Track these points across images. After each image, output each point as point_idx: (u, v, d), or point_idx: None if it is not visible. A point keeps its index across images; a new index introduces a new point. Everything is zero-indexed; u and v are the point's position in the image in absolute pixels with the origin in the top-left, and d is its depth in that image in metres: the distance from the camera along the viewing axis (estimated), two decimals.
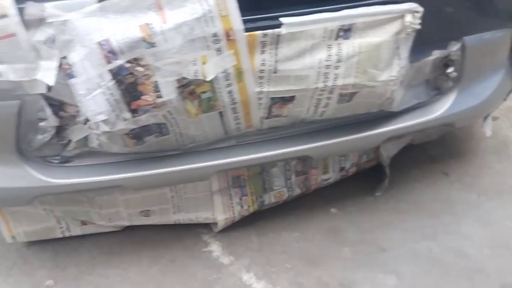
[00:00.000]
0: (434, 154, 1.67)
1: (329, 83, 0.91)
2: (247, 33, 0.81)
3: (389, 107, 1.03)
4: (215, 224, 1.31)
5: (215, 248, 1.35)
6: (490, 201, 1.48)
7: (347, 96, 0.97)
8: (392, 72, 0.93)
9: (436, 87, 1.13)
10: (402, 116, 1.13)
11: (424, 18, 0.94)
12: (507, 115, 1.86)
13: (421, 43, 0.99)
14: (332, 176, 1.40)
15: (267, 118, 1.00)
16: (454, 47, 1.01)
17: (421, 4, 0.90)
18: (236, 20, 0.79)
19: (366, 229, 1.40)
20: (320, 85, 0.91)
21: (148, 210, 1.25)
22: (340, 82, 0.92)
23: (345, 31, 0.86)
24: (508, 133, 1.76)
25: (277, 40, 0.84)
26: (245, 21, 0.81)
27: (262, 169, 1.28)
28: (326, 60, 0.88)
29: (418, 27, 0.89)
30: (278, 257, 1.32)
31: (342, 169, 1.40)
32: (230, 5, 0.78)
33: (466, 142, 1.71)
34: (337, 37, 0.87)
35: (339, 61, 0.89)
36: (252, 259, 1.32)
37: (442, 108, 1.14)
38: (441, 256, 1.32)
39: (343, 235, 1.39)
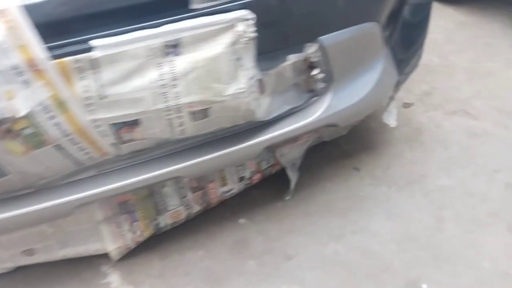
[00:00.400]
0: (347, 149, 1.64)
1: (172, 103, 0.85)
2: (56, 61, 0.74)
3: (254, 118, 0.98)
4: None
5: (114, 278, 1.28)
6: (400, 192, 1.46)
7: (200, 113, 0.91)
8: (240, 84, 0.87)
9: (309, 89, 1.08)
10: (279, 123, 1.08)
11: (271, 23, 0.89)
12: (422, 100, 1.85)
13: (274, 48, 0.93)
14: (233, 187, 1.34)
15: (121, 143, 0.93)
16: (311, 49, 0.96)
17: (265, 9, 0.85)
18: (37, 48, 0.71)
19: (274, 238, 1.36)
20: (162, 106, 0.85)
21: (31, 248, 1.17)
22: (183, 100, 0.85)
23: (173, 47, 0.80)
24: (422, 119, 1.74)
25: (95, 64, 0.77)
26: (51, 48, 0.73)
27: (151, 191, 1.21)
28: (160, 80, 0.82)
29: (254, 35, 0.83)
30: (181, 280, 1.26)
31: (242, 178, 1.34)
32: (27, 34, 0.70)
33: (379, 132, 1.68)
34: (166, 54, 0.80)
35: (174, 79, 0.82)
36: (153, 286, 1.25)
37: (319, 110, 1.09)
38: (347, 257, 1.28)
39: (250, 247, 1.33)
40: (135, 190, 1.02)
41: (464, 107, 1.77)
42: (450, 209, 1.38)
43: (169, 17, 0.78)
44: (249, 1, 0.82)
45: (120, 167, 1.01)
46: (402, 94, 1.88)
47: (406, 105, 1.82)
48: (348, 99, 1.12)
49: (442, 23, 2.40)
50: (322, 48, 0.97)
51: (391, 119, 1.50)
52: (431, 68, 2.03)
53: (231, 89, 0.87)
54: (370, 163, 1.57)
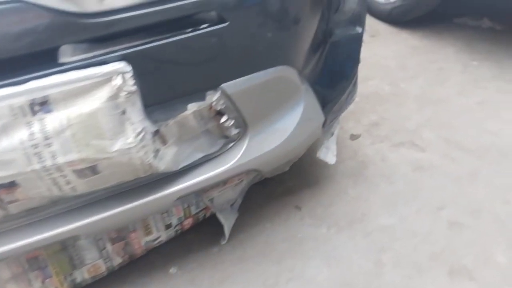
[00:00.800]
0: (290, 185, 1.57)
1: (49, 163, 0.77)
2: None
3: (156, 171, 0.90)
4: None
5: None
6: (340, 233, 1.38)
7: (87, 171, 0.83)
8: (128, 139, 0.80)
9: (223, 136, 1.01)
10: (192, 172, 1.01)
11: (161, 73, 0.82)
12: (370, 131, 1.79)
13: (170, 98, 0.87)
14: (160, 235, 1.25)
15: (6, 204, 0.84)
16: (213, 97, 0.89)
17: (150, 59, 0.78)
18: None
19: None
20: (37, 166, 0.77)
21: None
22: (62, 159, 0.77)
23: (42, 105, 0.72)
24: (368, 151, 1.69)
25: None
26: None
27: (64, 245, 1.12)
28: (31, 140, 0.74)
29: (134, 88, 0.76)
30: None
31: (169, 226, 1.25)
32: None
33: (323, 167, 1.62)
34: (34, 112, 0.73)
35: (47, 138, 0.75)
36: None
37: (235, 156, 1.02)
38: None
39: None
40: (29, 251, 0.93)
41: (412, 138, 1.72)
42: (390, 251, 1.31)
43: (36, 72, 0.71)
44: (129, 52, 0.75)
45: (11, 227, 0.92)
46: (351, 125, 1.83)
47: (353, 137, 1.76)
48: (266, 144, 1.05)
49: (396, 48, 2.38)
50: (225, 95, 0.90)
51: (329, 155, 1.43)
52: (382, 96, 1.99)
53: (118, 145, 0.79)
54: (312, 200, 1.50)
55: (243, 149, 1.03)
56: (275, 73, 0.94)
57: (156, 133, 0.88)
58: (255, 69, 0.91)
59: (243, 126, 1.00)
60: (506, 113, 1.80)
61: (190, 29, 0.79)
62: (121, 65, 0.74)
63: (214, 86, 0.88)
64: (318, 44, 1.12)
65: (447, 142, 1.68)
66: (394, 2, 2.47)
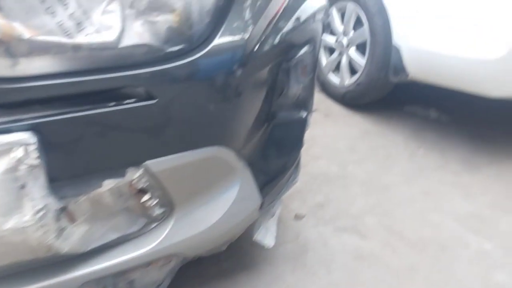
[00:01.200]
0: (225, 267, 1.47)
1: None
2: None
3: (58, 251, 0.80)
4: None
5: None
6: None
7: None
8: (25, 216, 0.71)
9: (145, 215, 0.92)
10: (105, 253, 0.90)
11: (78, 146, 0.75)
12: (315, 212, 1.75)
13: (84, 172, 0.79)
14: None
15: None
16: (135, 174, 0.83)
17: (62, 130, 0.71)
18: None
19: None
20: None
21: None
22: None
23: None
24: (310, 234, 1.63)
25: None
26: None
27: None
28: None
29: (36, 162, 0.68)
30: None
31: None
32: None
33: (263, 248, 1.53)
34: None
35: None
36: None
37: (157, 238, 0.93)
38: None
39: None
40: None
41: (355, 224, 1.69)
42: None
43: None
44: (39, 122, 0.68)
45: None
46: (296, 205, 1.79)
47: (297, 217, 1.71)
48: (194, 226, 0.98)
49: (347, 130, 2.43)
50: (149, 173, 0.84)
51: (268, 237, 1.36)
52: (329, 177, 1.98)
53: (11, 222, 0.70)
54: (247, 286, 1.40)
55: (168, 230, 0.95)
56: (207, 153, 0.89)
57: (63, 210, 0.79)
58: (185, 148, 0.85)
59: (168, 206, 0.93)
60: (447, 205, 1.81)
61: (113, 103, 0.74)
62: (24, 136, 0.66)
63: (137, 163, 0.81)
64: (259, 126, 1.09)
65: (389, 231, 1.65)
66: (348, 86, 2.56)
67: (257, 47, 0.90)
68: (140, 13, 0.73)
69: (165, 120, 0.81)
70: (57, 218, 0.77)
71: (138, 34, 0.72)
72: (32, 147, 0.67)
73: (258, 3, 0.92)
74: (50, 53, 0.67)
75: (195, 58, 0.79)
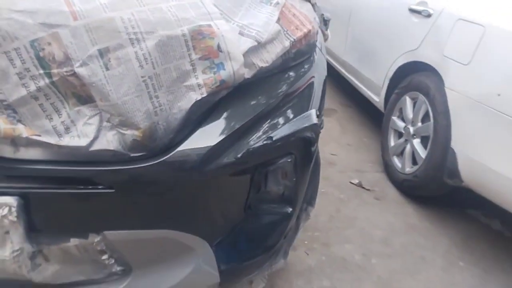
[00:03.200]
0: None
1: None
2: None
3: (31, 279, 1.07)
4: None
5: None
6: None
7: None
8: (5, 252, 0.99)
9: (107, 268, 1.16)
10: None
11: (52, 211, 1.02)
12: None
13: (56, 230, 1.06)
14: None
15: None
16: (95, 239, 1.07)
17: (41, 199, 0.99)
18: None
19: None
20: None
21: None
22: None
23: None
24: None
25: None
26: None
27: None
28: None
29: (15, 219, 0.96)
30: None
31: None
32: None
33: None
34: None
35: None
36: None
37: None
38: None
39: None
40: None
41: None
42: None
43: None
44: (22, 192, 0.97)
45: None
46: (301, 282, 1.87)
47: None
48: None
49: (391, 220, 2.39)
50: (107, 240, 1.07)
51: None
52: (347, 265, 2.01)
53: None
54: None
55: (125, 284, 1.16)
56: (160, 234, 1.09)
57: (40, 251, 1.06)
58: (138, 227, 1.07)
59: (127, 266, 1.15)
60: None
61: (81, 186, 1.00)
62: (10, 200, 0.95)
63: (97, 231, 1.05)
64: (232, 215, 1.26)
65: None
66: (407, 174, 2.52)
67: (220, 157, 1.08)
68: (114, 127, 0.98)
69: (121, 205, 1.04)
70: (32, 257, 1.05)
71: (108, 141, 0.97)
72: (14, 208, 0.96)
73: (232, 123, 1.10)
74: (41, 146, 0.95)
75: (152, 163, 1.00)
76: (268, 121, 1.19)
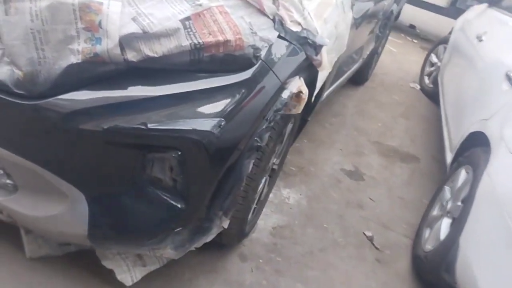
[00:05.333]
0: None
1: None
2: None
3: None
4: None
5: None
6: None
7: None
8: None
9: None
10: None
11: None
12: None
13: None
14: None
15: None
16: None
17: None
18: None
19: None
20: None
21: None
22: None
23: None
24: None
25: None
26: None
27: None
28: None
29: None
30: None
31: None
32: None
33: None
34: None
35: None
36: None
37: (4, 196, 1.40)
38: None
39: None
40: None
41: None
42: None
43: None
44: None
45: None
46: None
47: None
48: (27, 208, 1.37)
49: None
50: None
51: (126, 276, 1.60)
52: None
53: None
54: None
55: (11, 197, 1.39)
56: (32, 166, 1.28)
57: None
58: (18, 153, 1.27)
59: (14, 185, 1.37)
60: None
61: None
62: None
63: None
64: (113, 182, 1.36)
65: None
66: (424, 252, 2.18)
67: (91, 120, 1.20)
68: (9, 63, 1.18)
69: (4, 126, 1.24)
70: None
71: (1, 73, 1.18)
72: None
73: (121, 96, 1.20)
74: None
75: (28, 103, 1.18)
76: (165, 110, 1.25)
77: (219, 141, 1.30)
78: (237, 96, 1.33)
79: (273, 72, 1.41)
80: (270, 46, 1.40)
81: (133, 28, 1.12)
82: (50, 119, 1.19)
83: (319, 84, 1.79)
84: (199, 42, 1.19)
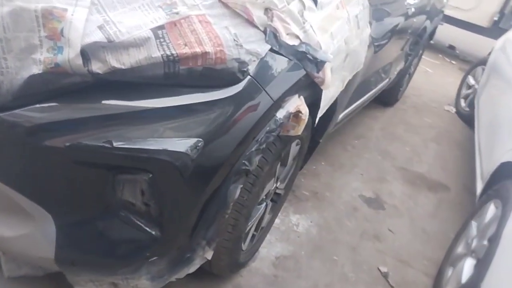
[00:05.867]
0: None
1: None
2: None
3: None
4: None
5: None
6: None
7: None
8: None
9: None
10: None
11: None
12: None
13: None
14: None
15: None
16: None
17: None
18: None
19: None
20: None
21: None
22: None
23: None
24: None
25: None
26: None
27: None
28: None
29: None
30: None
31: None
32: None
33: None
34: None
35: None
36: None
37: None
38: None
39: None
40: None
41: None
42: None
43: None
44: None
45: None
46: None
47: None
48: None
49: None
50: None
51: None
52: None
53: None
54: None
55: None
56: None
57: None
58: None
59: None
60: None
61: None
62: None
63: None
64: (83, 203, 1.26)
65: None
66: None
67: (57, 136, 1.11)
68: None
69: None
70: None
71: None
72: None
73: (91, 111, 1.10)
74: None
75: None
76: (135, 127, 1.14)
77: (197, 163, 1.17)
78: (219, 115, 1.20)
79: (264, 89, 1.27)
80: (261, 60, 1.26)
81: (97, 36, 1.02)
82: (13, 133, 1.10)
83: (324, 104, 1.62)
84: (172, 54, 1.07)
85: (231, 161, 1.28)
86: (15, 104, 1.09)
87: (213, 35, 1.12)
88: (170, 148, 1.13)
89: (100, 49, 1.03)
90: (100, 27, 1.03)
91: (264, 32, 1.24)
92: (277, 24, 1.29)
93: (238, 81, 1.21)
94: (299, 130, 1.49)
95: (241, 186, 1.36)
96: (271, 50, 1.29)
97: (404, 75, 4.08)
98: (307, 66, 1.38)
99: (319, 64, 1.39)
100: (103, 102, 1.12)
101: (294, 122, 1.46)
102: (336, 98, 1.89)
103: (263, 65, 1.28)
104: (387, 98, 4.15)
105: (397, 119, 4.11)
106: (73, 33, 1.00)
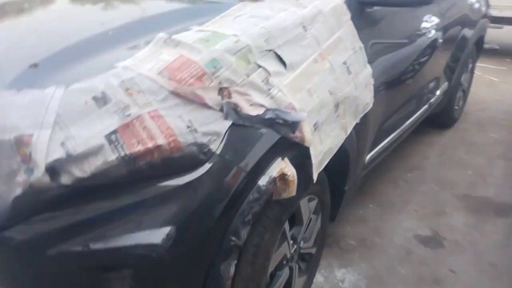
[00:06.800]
0: None
1: None
2: None
3: None
4: None
5: None
6: None
7: None
8: None
9: None
10: None
11: None
12: None
13: None
14: None
15: None
16: None
17: None
18: None
19: None
20: None
21: None
22: None
23: None
24: None
25: None
26: None
27: None
28: None
29: None
30: None
31: None
32: None
33: None
34: None
35: None
36: None
37: None
38: None
39: None
40: None
41: None
42: None
43: None
44: None
45: None
46: None
47: None
48: None
49: None
50: None
51: None
52: None
53: None
54: None
55: None
56: None
57: None
58: None
59: None
60: None
61: None
62: None
63: None
64: None
65: None
66: None
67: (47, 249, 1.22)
68: None
69: None
70: None
71: None
72: None
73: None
74: None
75: None
76: (110, 226, 1.22)
77: (173, 251, 1.20)
78: (189, 199, 1.23)
79: (233, 163, 1.29)
80: (227, 136, 1.30)
81: (59, 153, 1.13)
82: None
83: (318, 159, 1.58)
84: (126, 154, 1.15)
85: (214, 240, 1.29)
86: (9, 224, 1.23)
87: (165, 127, 1.18)
88: (143, 242, 1.18)
89: (64, 164, 1.14)
90: (62, 144, 1.15)
91: (221, 110, 1.28)
92: (237, 98, 1.32)
93: (203, 162, 1.24)
94: (291, 191, 1.46)
95: (234, 262, 1.35)
96: (234, 124, 1.31)
97: (454, 94, 3.82)
98: (280, 130, 1.38)
99: (292, 125, 1.38)
100: (80, 207, 1.21)
101: (283, 185, 1.44)
102: (345, 146, 1.83)
103: (230, 140, 1.30)
104: (441, 121, 3.90)
105: (456, 140, 3.81)
106: (38, 154, 1.13)
